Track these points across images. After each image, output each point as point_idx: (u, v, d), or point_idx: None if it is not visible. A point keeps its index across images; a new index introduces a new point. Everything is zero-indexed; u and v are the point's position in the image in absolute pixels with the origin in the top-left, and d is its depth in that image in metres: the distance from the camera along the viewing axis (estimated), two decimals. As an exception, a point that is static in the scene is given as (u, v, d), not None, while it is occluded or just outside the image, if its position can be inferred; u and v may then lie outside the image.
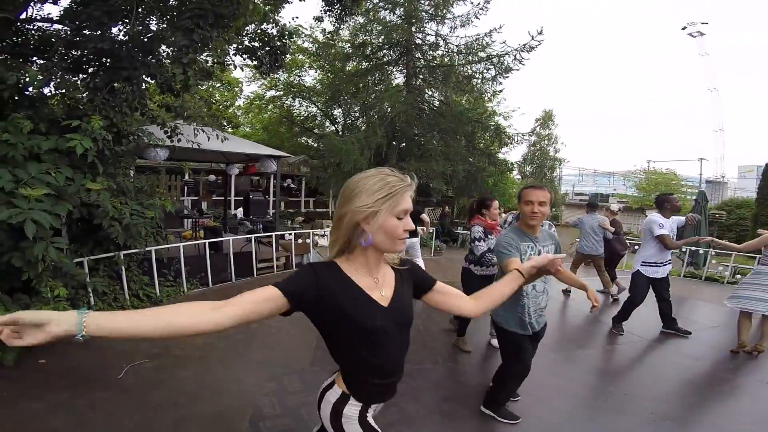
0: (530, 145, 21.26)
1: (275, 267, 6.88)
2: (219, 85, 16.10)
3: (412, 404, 2.72)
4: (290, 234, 7.98)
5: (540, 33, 10.82)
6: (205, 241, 5.87)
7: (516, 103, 46.79)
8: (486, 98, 13.85)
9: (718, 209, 13.75)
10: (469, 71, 12.25)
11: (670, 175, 20.38)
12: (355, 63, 13.71)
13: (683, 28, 30.79)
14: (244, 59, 6.07)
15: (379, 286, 1.15)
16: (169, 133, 4.98)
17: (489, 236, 3.49)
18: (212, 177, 14.31)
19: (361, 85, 13.29)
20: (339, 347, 1.16)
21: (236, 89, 17.82)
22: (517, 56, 11.29)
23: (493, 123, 12.92)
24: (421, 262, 6.23)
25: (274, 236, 7.05)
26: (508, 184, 18.84)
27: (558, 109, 55.93)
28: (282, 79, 15.71)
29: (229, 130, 16.49)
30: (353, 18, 11.02)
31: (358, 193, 1.06)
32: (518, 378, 2.50)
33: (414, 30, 12.21)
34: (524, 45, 11.14)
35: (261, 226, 8.77)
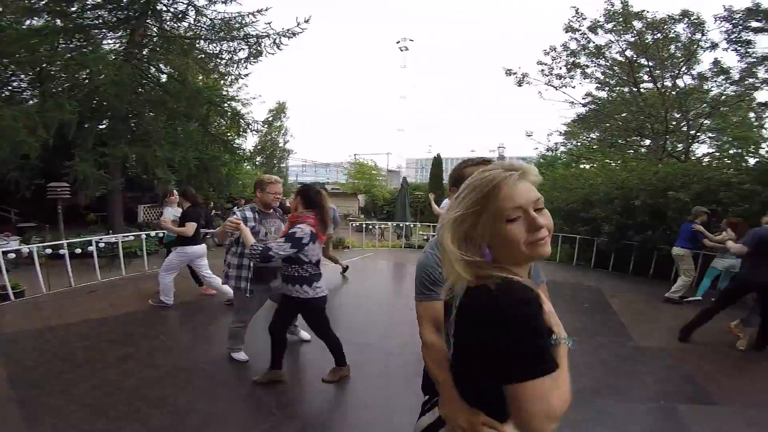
0: (262, 135, 21.20)
1: None
2: None
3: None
4: None
5: (307, 21, 10.52)
6: None
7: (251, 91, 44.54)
8: (228, 81, 12.39)
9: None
10: (217, 49, 10.62)
11: (371, 165, 25.63)
12: (43, 20, 9.07)
13: (397, 42, 34.94)
14: None
15: None
16: None
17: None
18: None
19: (41, 48, 9.03)
20: None
21: None
22: (277, 40, 10.61)
23: (229, 108, 11.80)
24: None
25: None
26: (243, 174, 18.04)
27: (289, 102, 57.74)
28: None
29: None
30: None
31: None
32: None
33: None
34: (287, 30, 10.57)
35: None
